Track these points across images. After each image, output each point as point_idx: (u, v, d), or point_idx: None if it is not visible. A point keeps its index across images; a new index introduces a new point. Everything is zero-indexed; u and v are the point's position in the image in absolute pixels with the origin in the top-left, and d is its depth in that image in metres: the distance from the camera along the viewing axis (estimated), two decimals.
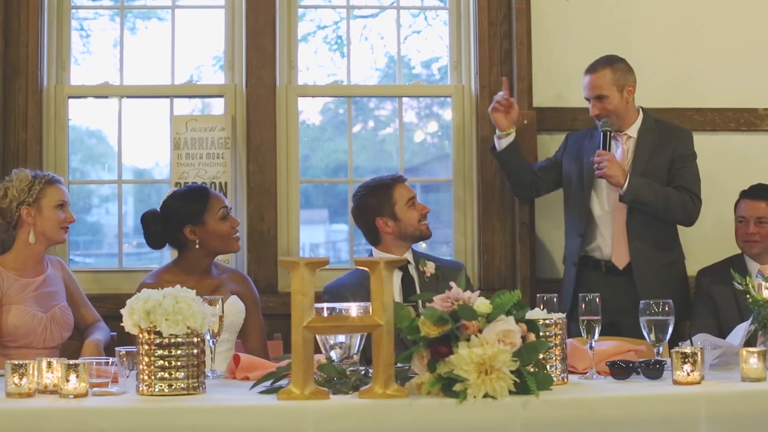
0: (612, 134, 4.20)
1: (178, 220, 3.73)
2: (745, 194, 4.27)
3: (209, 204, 3.76)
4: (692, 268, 4.39)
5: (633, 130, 4.28)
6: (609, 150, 4.15)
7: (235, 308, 3.74)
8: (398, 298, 3.83)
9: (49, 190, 3.73)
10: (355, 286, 3.72)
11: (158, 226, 3.77)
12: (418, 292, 3.85)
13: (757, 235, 4.16)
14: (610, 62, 4.26)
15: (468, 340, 2.44)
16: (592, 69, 4.26)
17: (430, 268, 3.95)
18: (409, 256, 3.96)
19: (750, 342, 3.02)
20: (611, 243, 4.22)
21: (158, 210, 3.81)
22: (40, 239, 3.71)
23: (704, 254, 4.38)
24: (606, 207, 4.25)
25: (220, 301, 2.98)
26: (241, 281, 3.91)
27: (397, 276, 3.88)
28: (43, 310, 3.67)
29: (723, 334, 3.66)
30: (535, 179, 4.45)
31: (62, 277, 3.82)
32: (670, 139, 4.26)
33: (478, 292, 2.54)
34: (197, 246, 3.73)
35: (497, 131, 4.39)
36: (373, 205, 3.94)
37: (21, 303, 3.63)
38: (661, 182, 4.19)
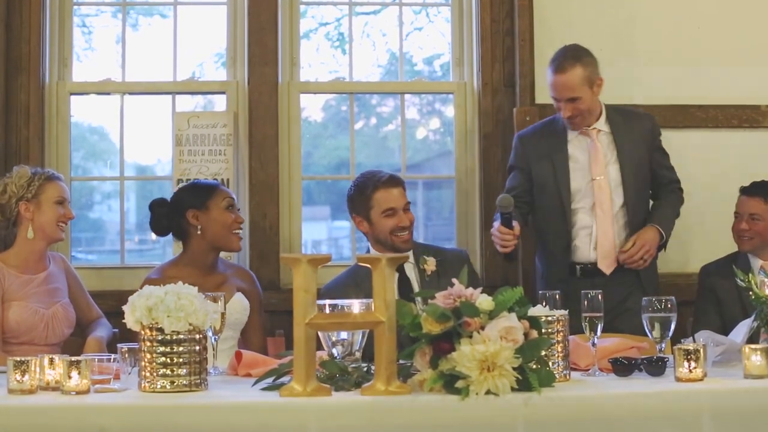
0: (513, 214, 3.77)
1: (183, 204, 3.80)
2: (743, 190, 4.26)
3: (216, 192, 3.81)
4: (695, 265, 4.39)
5: (601, 123, 4.08)
6: (512, 228, 3.76)
7: (240, 306, 3.74)
8: None
9: (48, 187, 3.73)
10: (350, 287, 3.63)
11: (163, 209, 3.83)
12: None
13: (749, 231, 4.13)
14: (578, 57, 3.96)
15: (470, 336, 2.44)
16: (560, 68, 3.94)
17: (431, 264, 3.85)
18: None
19: (753, 339, 3.01)
20: (592, 244, 4.04)
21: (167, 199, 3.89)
22: (38, 235, 3.70)
23: (706, 251, 4.37)
24: (591, 210, 4.04)
25: (222, 298, 2.97)
26: (247, 279, 3.91)
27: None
28: (45, 307, 3.66)
29: (726, 330, 3.65)
30: (524, 207, 4.15)
31: (64, 273, 3.82)
32: (640, 124, 4.11)
33: (480, 289, 2.54)
34: (199, 232, 3.74)
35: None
36: (354, 200, 3.89)
37: (23, 299, 3.63)
38: (647, 175, 4.10)
